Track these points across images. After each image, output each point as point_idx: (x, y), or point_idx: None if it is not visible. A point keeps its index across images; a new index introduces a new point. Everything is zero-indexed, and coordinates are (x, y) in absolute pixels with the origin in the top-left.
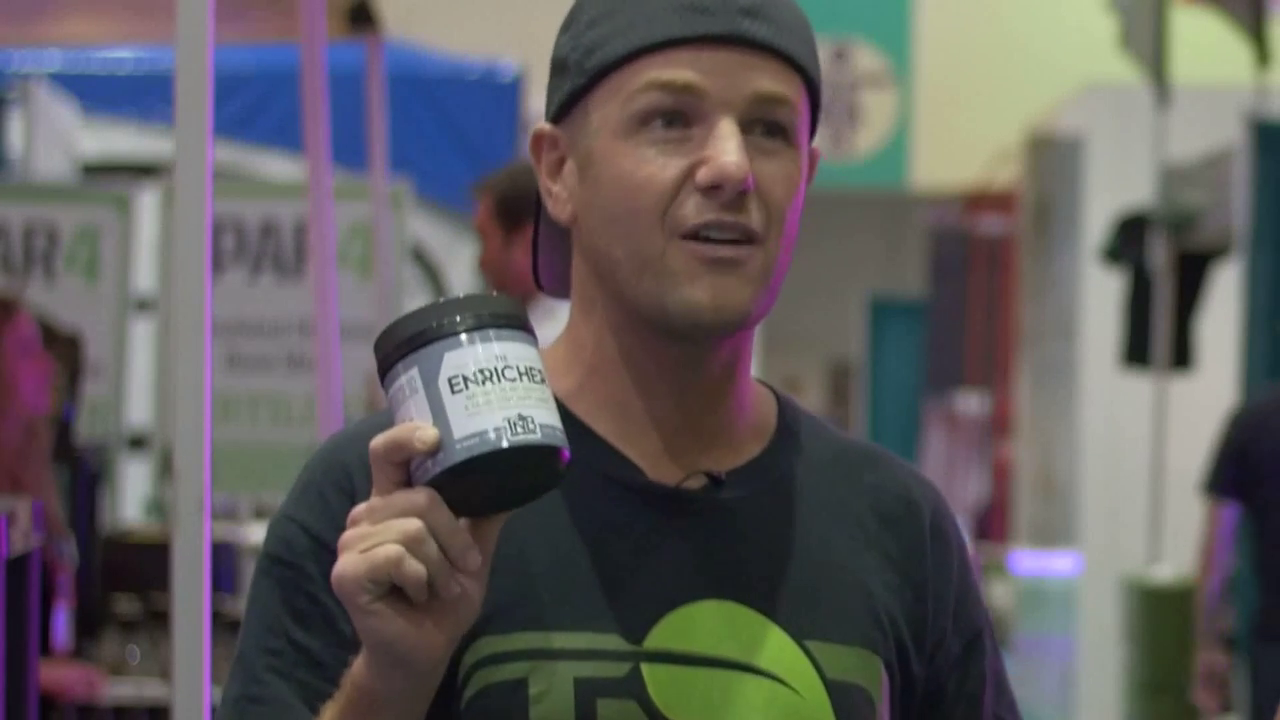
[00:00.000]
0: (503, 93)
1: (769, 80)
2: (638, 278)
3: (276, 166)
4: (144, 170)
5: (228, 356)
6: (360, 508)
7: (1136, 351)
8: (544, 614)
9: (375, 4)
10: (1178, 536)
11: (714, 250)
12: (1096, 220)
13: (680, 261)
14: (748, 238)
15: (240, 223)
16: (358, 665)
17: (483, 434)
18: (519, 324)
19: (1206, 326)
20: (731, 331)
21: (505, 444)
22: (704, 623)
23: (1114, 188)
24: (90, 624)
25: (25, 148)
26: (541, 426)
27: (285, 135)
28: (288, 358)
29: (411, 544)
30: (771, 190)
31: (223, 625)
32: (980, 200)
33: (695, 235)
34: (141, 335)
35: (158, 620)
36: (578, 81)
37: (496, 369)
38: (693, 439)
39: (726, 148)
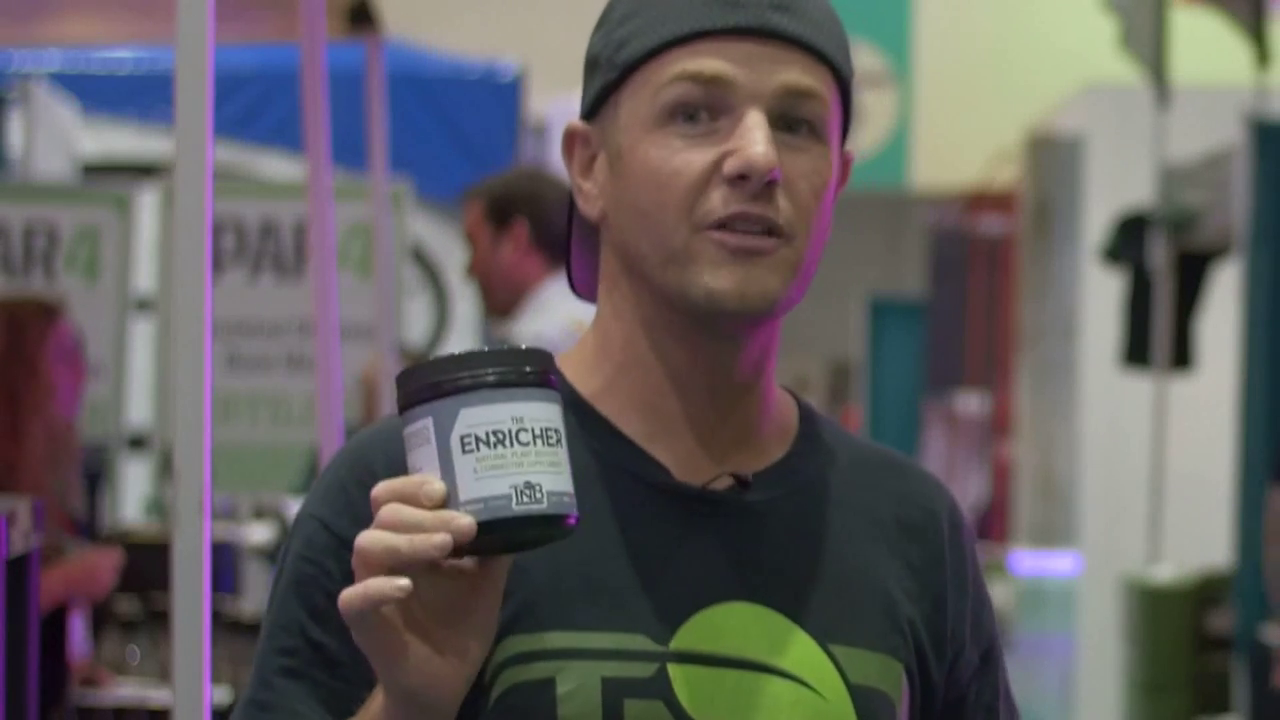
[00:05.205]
0: (503, 93)
1: (798, 73)
2: (663, 269)
3: (276, 166)
4: (144, 170)
5: (228, 356)
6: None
7: (1136, 351)
8: (572, 614)
9: (375, 4)
10: (1178, 537)
11: (739, 240)
12: (1096, 220)
13: (705, 251)
14: (773, 231)
15: (240, 223)
16: (377, 707)
17: (488, 500)
18: (542, 381)
19: (1206, 326)
20: (758, 319)
21: (508, 514)
22: (730, 624)
23: (1114, 188)
24: (90, 624)
25: (25, 148)
26: (549, 494)
27: (285, 135)
28: (288, 358)
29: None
30: (799, 185)
31: (223, 625)
32: (980, 200)
33: (721, 226)
34: (141, 335)
35: (158, 620)
36: (609, 77)
37: (510, 431)
38: (720, 440)
39: (753, 138)
